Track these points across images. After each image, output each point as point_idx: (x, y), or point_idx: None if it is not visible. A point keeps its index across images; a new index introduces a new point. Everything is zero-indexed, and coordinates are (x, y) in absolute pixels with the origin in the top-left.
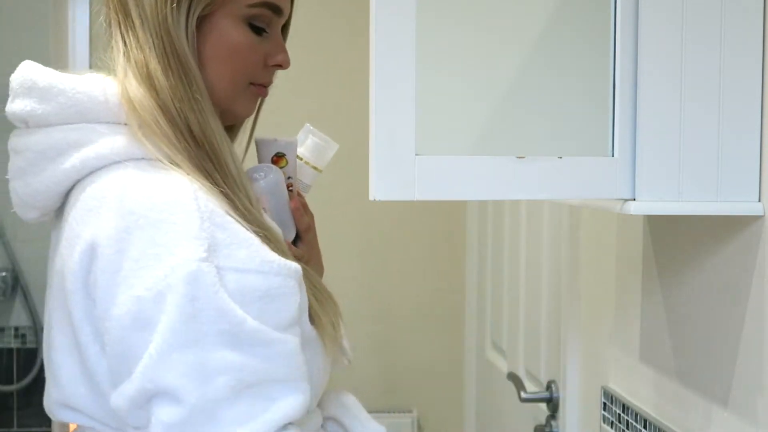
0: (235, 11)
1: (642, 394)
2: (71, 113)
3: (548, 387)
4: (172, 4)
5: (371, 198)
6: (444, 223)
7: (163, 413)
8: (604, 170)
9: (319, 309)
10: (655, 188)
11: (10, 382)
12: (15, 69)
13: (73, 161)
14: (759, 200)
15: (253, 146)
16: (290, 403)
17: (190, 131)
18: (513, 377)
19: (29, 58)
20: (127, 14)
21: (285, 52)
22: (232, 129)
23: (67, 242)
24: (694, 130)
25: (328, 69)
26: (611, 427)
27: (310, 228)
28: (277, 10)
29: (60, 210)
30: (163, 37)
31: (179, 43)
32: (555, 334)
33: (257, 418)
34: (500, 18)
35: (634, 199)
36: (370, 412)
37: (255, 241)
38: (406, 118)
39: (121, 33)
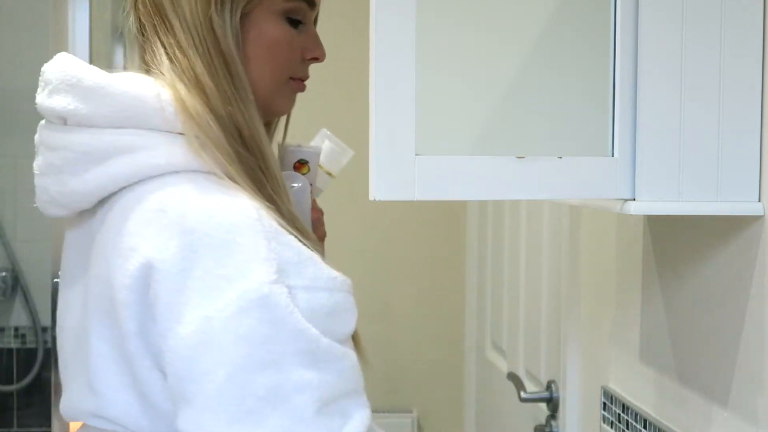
0: (273, 6)
1: (642, 394)
2: (122, 117)
3: (548, 387)
4: (216, 5)
5: (371, 198)
6: (444, 223)
7: None
8: (604, 170)
9: None
10: (655, 188)
11: (10, 382)
12: (15, 69)
13: (122, 167)
14: (759, 200)
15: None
16: (362, 417)
17: (240, 135)
18: (513, 377)
19: (29, 58)
20: (164, 18)
21: (321, 45)
22: (268, 127)
23: (117, 251)
24: (694, 130)
25: (328, 69)
26: (611, 427)
27: (324, 237)
28: (311, 3)
29: (90, 211)
30: (207, 38)
31: (225, 43)
32: (555, 334)
33: None
34: (500, 18)
35: (634, 199)
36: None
37: (317, 257)
38: (406, 118)
39: (159, 37)
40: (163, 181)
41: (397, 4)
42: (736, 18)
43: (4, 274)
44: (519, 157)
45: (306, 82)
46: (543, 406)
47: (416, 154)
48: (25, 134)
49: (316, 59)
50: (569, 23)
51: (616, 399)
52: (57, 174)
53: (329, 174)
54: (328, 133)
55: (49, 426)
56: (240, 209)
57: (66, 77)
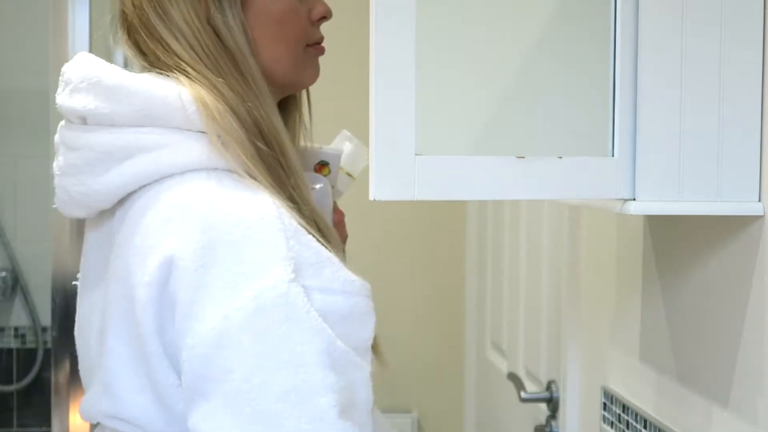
0: None
1: (642, 394)
2: (142, 116)
3: (548, 387)
4: (214, 3)
5: (371, 198)
6: (444, 223)
7: None
8: (604, 170)
9: None
10: (655, 188)
11: (10, 382)
12: (15, 69)
13: (142, 166)
14: (759, 200)
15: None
16: None
17: (260, 131)
18: (513, 377)
19: (29, 58)
20: (160, 40)
21: (324, 3)
22: (292, 101)
23: (136, 250)
24: (694, 130)
25: (328, 69)
26: (611, 427)
27: (345, 239)
28: None
29: (109, 212)
30: (208, 42)
31: (231, 40)
32: (555, 334)
33: None
34: (500, 18)
35: (634, 199)
36: None
37: (335, 259)
38: (406, 118)
39: (163, 60)
40: (183, 178)
41: (397, 3)
42: (737, 18)
43: (4, 274)
44: (519, 157)
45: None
46: (543, 406)
47: (416, 154)
48: (25, 134)
49: (324, 18)
50: (569, 23)
51: (616, 399)
52: (77, 174)
53: (350, 176)
54: (349, 134)
55: (49, 426)
56: (261, 207)
57: (87, 76)
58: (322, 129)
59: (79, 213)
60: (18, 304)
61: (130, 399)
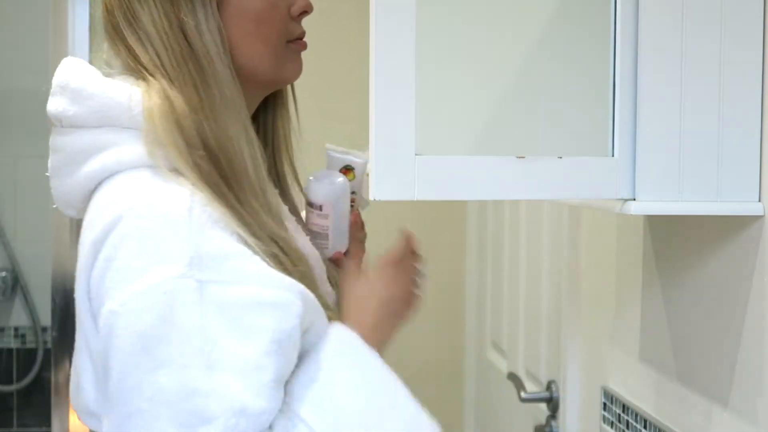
0: None
1: (642, 394)
2: (98, 117)
3: (548, 387)
4: (185, 5)
5: (371, 198)
6: (444, 223)
7: None
8: (604, 170)
9: None
10: (655, 188)
11: (10, 382)
12: (15, 69)
13: (94, 164)
14: (759, 200)
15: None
16: None
17: (205, 142)
18: (513, 377)
19: (29, 58)
20: (122, 38)
21: None
22: (279, 99)
23: (80, 246)
24: (694, 130)
25: (328, 69)
26: (611, 427)
27: (365, 239)
28: None
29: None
30: (174, 47)
31: (196, 45)
32: (555, 334)
33: None
34: (500, 18)
35: (634, 199)
36: None
37: (245, 253)
38: (406, 118)
39: (128, 53)
40: (122, 175)
41: (397, 3)
42: (737, 19)
43: (4, 274)
44: (519, 157)
45: (305, 82)
46: (543, 406)
47: (416, 154)
48: (25, 134)
49: (305, 13)
50: (569, 24)
51: (616, 399)
52: (58, 175)
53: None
54: None
55: (49, 426)
56: (172, 199)
57: (60, 80)
58: (323, 129)
59: (71, 213)
60: (18, 304)
61: (91, 395)
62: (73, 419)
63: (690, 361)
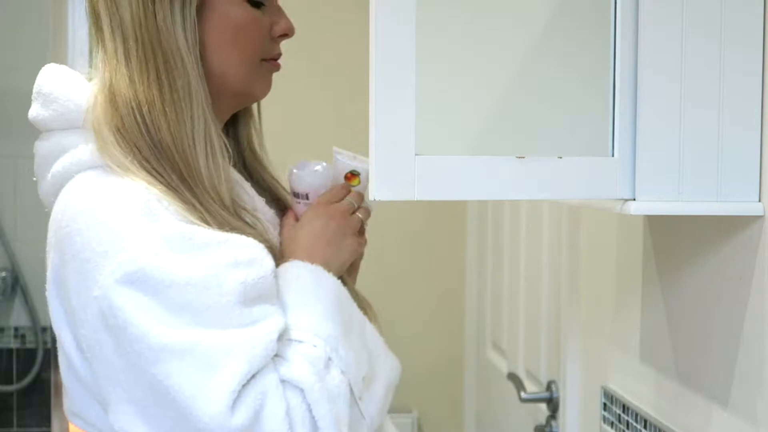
0: None
1: (642, 394)
2: (62, 120)
3: (548, 387)
4: (163, 2)
5: (371, 198)
6: (444, 223)
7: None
8: (604, 170)
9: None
10: (655, 188)
11: (10, 382)
12: (14, 69)
13: (58, 166)
14: (759, 200)
15: (274, 131)
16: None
17: (155, 143)
18: (513, 377)
19: (29, 59)
20: (98, 27)
21: (287, 19)
22: (246, 111)
23: (48, 248)
24: (694, 130)
25: (328, 69)
26: (611, 427)
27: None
28: None
29: None
30: (144, 39)
31: (168, 39)
32: (555, 334)
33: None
34: (500, 18)
35: (634, 199)
36: None
37: (197, 228)
38: (406, 118)
39: (98, 43)
40: (79, 176)
41: (397, 3)
42: (737, 18)
43: (4, 274)
44: (519, 157)
45: (305, 83)
46: (543, 406)
47: (416, 154)
48: (25, 134)
49: (285, 35)
50: (569, 23)
51: (616, 399)
52: (37, 180)
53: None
54: None
55: (49, 426)
56: (127, 194)
57: (36, 86)
58: (322, 129)
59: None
60: (18, 304)
61: (73, 396)
62: None
63: (690, 361)
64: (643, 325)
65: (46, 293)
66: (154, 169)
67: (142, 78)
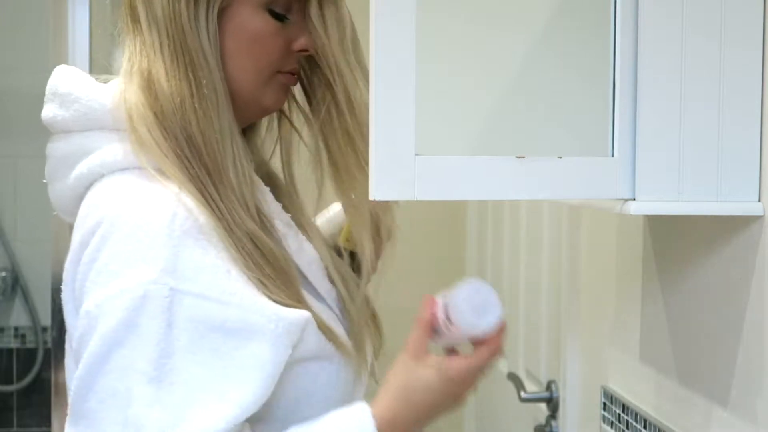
0: None
1: (642, 394)
2: (84, 121)
3: (548, 387)
4: (189, 3)
5: (371, 198)
6: (444, 223)
7: None
8: (604, 170)
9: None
10: (655, 188)
11: (10, 382)
12: (14, 69)
13: (82, 168)
14: (759, 200)
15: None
16: None
17: (188, 136)
18: (513, 377)
19: (29, 58)
20: (135, 18)
21: (309, 35)
22: (258, 123)
23: (69, 251)
24: (694, 130)
25: None
26: (611, 427)
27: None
28: None
29: None
30: (175, 35)
31: (193, 39)
32: (555, 334)
33: None
34: (500, 18)
35: (634, 199)
36: None
37: (223, 268)
38: (406, 118)
39: (130, 37)
40: (108, 178)
41: (397, 3)
42: (737, 18)
43: (4, 274)
44: (519, 157)
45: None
46: (543, 406)
47: (416, 154)
48: (25, 134)
49: (303, 51)
50: (569, 23)
51: (616, 399)
52: (51, 181)
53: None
54: None
55: (49, 426)
56: (156, 204)
57: (50, 87)
58: None
59: (69, 219)
60: (18, 304)
61: None
62: None
63: (690, 361)
64: (643, 325)
65: (62, 294)
66: (186, 158)
67: (174, 72)
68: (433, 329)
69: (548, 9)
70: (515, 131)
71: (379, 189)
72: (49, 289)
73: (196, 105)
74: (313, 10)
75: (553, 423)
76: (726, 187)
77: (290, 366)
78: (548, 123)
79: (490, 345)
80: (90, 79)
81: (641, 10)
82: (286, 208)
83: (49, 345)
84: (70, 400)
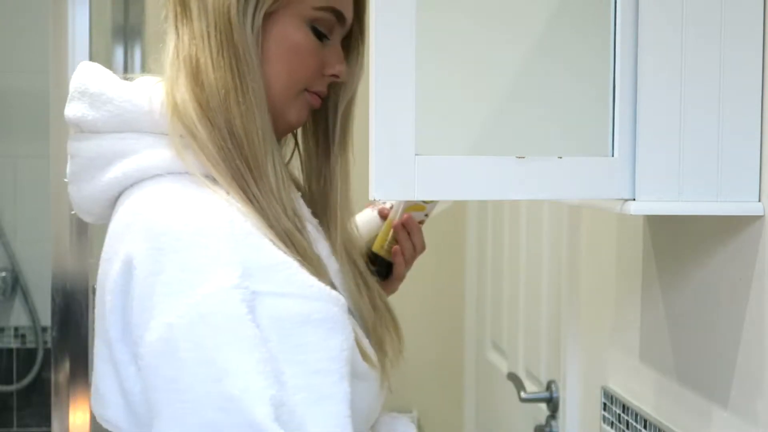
0: (301, 12)
1: (642, 394)
2: (117, 122)
3: (548, 387)
4: (239, 2)
5: (371, 198)
6: (444, 224)
7: None
8: (604, 170)
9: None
10: (655, 188)
11: (10, 382)
12: (14, 69)
13: (116, 172)
14: (759, 200)
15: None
16: None
17: (231, 130)
18: (513, 377)
19: (29, 58)
20: (185, 6)
21: (343, 63)
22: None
23: (106, 255)
24: (694, 130)
25: None
26: (611, 427)
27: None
28: (340, 18)
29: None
30: (223, 28)
31: (240, 34)
32: (555, 334)
33: None
34: (500, 18)
35: (634, 199)
36: None
37: (294, 263)
38: (406, 118)
39: (176, 26)
40: (148, 183)
41: (397, 3)
42: (737, 18)
43: (4, 274)
44: (519, 157)
45: None
46: (543, 406)
47: (416, 154)
48: (25, 134)
49: (335, 77)
50: (569, 23)
51: (616, 399)
52: (76, 181)
53: (422, 206)
54: None
55: (49, 426)
56: (212, 211)
57: (78, 85)
58: None
59: (88, 219)
60: (18, 304)
61: (110, 400)
62: (73, 419)
63: (690, 361)
64: (643, 325)
65: (100, 303)
66: (229, 150)
67: (220, 63)
68: None
69: (548, 9)
70: (515, 131)
71: (379, 189)
72: (49, 289)
73: (240, 99)
74: (354, 42)
75: (553, 423)
76: (726, 187)
77: None
78: (548, 123)
79: None
80: (118, 79)
81: (641, 10)
82: (314, 214)
83: (49, 345)
84: (165, 415)
